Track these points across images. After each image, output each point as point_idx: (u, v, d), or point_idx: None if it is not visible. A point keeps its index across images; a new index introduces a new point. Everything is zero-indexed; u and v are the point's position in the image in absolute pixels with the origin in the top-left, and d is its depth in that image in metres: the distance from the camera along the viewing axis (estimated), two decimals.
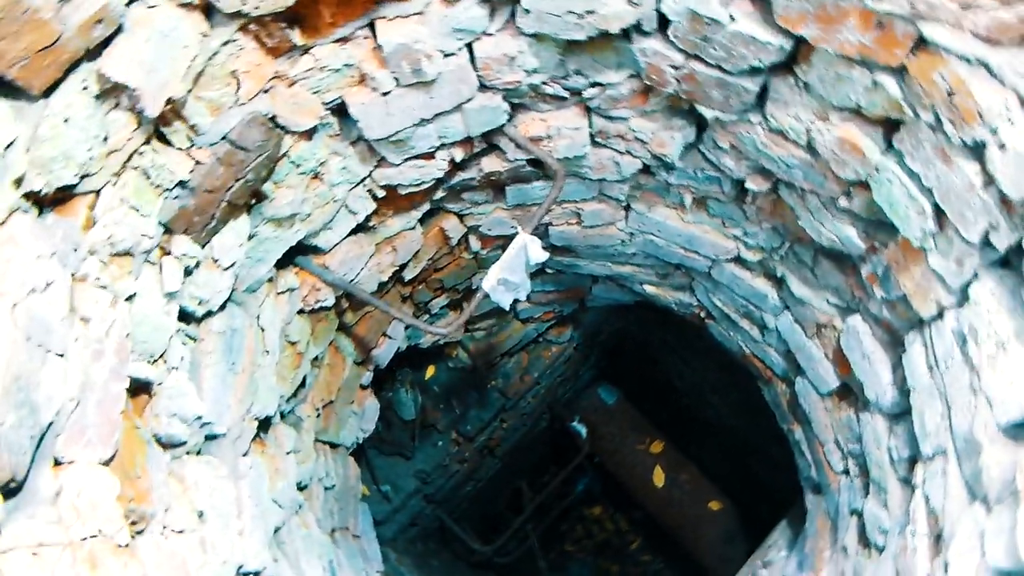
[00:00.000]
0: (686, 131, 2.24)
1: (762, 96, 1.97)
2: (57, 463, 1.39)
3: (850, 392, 2.55)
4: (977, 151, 1.54)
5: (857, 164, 1.86)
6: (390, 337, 3.32)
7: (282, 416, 2.58)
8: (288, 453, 2.55)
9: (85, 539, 1.35)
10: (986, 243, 1.61)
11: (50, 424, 1.36)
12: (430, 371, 4.72)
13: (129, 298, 1.67)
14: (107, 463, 1.50)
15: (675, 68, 1.94)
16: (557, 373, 5.16)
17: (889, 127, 1.78)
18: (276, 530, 2.27)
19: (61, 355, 1.41)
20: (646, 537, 7.02)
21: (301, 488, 2.69)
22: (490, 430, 5.00)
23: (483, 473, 5.43)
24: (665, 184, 2.57)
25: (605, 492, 6.93)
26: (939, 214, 1.73)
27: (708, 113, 2.05)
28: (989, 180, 1.52)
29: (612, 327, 5.30)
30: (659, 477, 5.67)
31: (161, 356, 1.81)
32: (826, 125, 1.86)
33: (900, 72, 1.60)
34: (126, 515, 1.50)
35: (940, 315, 1.87)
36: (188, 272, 1.90)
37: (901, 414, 2.18)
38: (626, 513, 7.12)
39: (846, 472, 2.67)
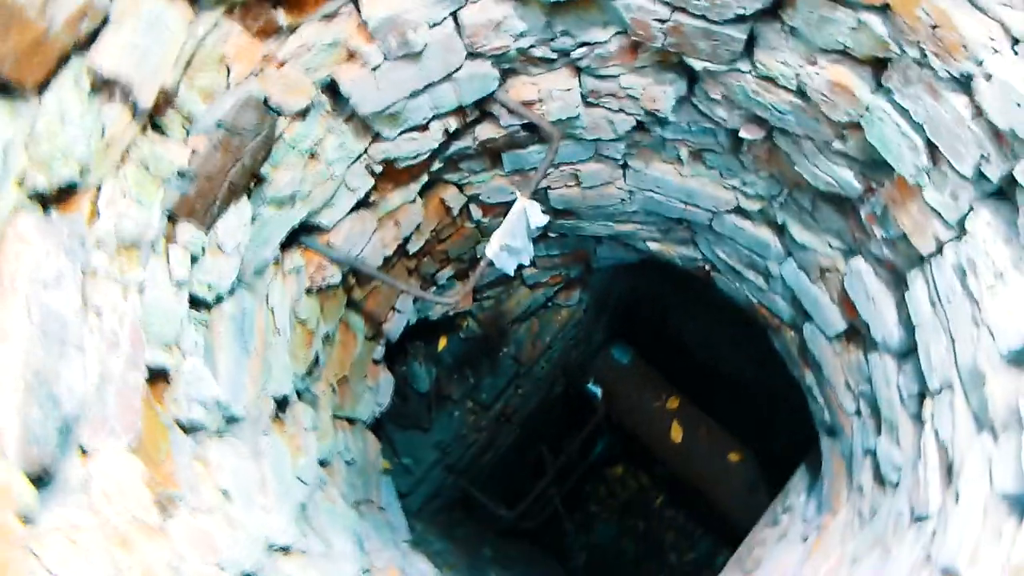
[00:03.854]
0: (677, 84, 2.24)
1: (750, 44, 1.96)
2: (84, 452, 1.43)
3: (857, 334, 2.56)
4: (964, 84, 1.54)
5: (848, 105, 1.85)
6: (399, 311, 3.35)
7: (298, 395, 2.63)
8: (307, 430, 2.60)
9: (117, 522, 1.40)
10: (980, 175, 1.62)
11: (73, 416, 1.40)
12: (442, 342, 4.75)
13: (139, 288, 1.70)
14: (132, 450, 1.55)
15: (661, 22, 1.93)
16: (569, 336, 5.18)
17: (877, 66, 1.77)
18: (302, 506, 2.32)
19: (78, 347, 1.44)
20: (669, 493, 7.08)
21: (323, 464, 2.74)
22: (505, 397, 5.04)
23: (502, 440, 5.47)
24: (660, 140, 2.57)
25: (625, 451, 6.98)
26: (932, 149, 1.73)
27: (697, 64, 2.05)
28: (978, 112, 1.52)
29: (621, 287, 5.31)
30: (677, 433, 5.72)
31: (175, 343, 1.85)
32: (815, 68, 1.85)
33: (883, 9, 1.60)
34: (155, 500, 1.55)
35: (939, 250, 1.88)
36: (195, 259, 1.92)
37: (908, 352, 2.20)
38: (648, 470, 7.18)
39: (858, 413, 2.69)
